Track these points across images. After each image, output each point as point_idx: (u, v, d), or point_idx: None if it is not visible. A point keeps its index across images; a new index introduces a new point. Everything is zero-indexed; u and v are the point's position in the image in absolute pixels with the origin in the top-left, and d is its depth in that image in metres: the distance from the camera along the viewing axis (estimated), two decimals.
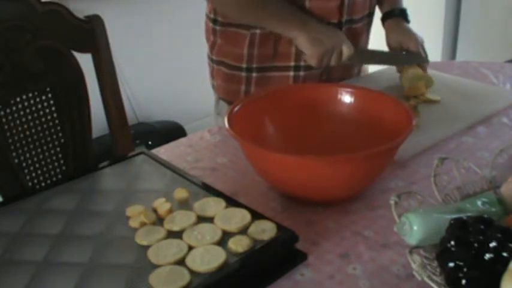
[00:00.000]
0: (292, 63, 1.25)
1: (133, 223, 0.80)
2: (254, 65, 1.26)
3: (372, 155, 0.85)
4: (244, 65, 1.26)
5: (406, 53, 1.31)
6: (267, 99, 1.06)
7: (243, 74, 1.27)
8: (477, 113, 1.19)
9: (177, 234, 0.77)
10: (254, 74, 1.27)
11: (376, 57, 1.31)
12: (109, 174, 0.96)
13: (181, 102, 2.82)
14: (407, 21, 1.36)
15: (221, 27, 1.27)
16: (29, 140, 1.09)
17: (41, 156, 1.11)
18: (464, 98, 1.26)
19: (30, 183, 1.10)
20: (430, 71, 1.33)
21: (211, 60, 1.34)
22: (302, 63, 1.24)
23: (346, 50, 1.15)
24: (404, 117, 0.92)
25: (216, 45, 1.30)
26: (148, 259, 0.72)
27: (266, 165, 0.89)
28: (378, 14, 1.39)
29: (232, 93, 1.30)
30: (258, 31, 1.23)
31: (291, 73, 1.26)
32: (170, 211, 0.81)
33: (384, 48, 1.34)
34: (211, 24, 1.29)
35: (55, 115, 1.12)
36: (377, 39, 1.42)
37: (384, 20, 1.37)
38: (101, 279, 0.70)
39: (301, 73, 1.26)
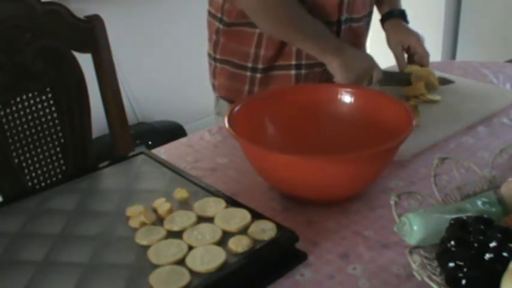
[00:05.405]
0: (294, 62, 1.24)
1: (133, 223, 0.80)
2: (259, 66, 1.25)
3: (372, 155, 0.85)
4: (249, 64, 1.26)
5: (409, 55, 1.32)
6: (267, 99, 1.06)
7: (248, 73, 1.27)
8: (477, 113, 1.19)
9: (177, 234, 0.77)
10: (258, 75, 1.26)
11: (399, 78, 1.31)
12: (109, 174, 0.96)
13: (181, 102, 2.82)
14: (407, 22, 1.36)
15: (227, 26, 1.26)
16: (29, 140, 1.09)
17: (41, 156, 1.11)
18: (464, 98, 1.26)
19: (30, 183, 1.10)
20: None
21: (213, 59, 1.33)
22: (303, 62, 1.24)
23: (376, 75, 1.16)
24: (404, 117, 0.92)
25: (220, 44, 1.29)
26: (148, 259, 0.72)
27: (266, 165, 0.89)
28: (376, 15, 1.38)
29: (235, 92, 1.30)
30: None
31: (293, 72, 1.25)
32: (170, 211, 0.81)
33: (383, 48, 1.34)
34: (216, 23, 1.28)
35: (55, 115, 1.12)
36: (377, 39, 1.42)
37: (383, 21, 1.37)
38: (101, 279, 0.70)
39: (303, 71, 1.25)
